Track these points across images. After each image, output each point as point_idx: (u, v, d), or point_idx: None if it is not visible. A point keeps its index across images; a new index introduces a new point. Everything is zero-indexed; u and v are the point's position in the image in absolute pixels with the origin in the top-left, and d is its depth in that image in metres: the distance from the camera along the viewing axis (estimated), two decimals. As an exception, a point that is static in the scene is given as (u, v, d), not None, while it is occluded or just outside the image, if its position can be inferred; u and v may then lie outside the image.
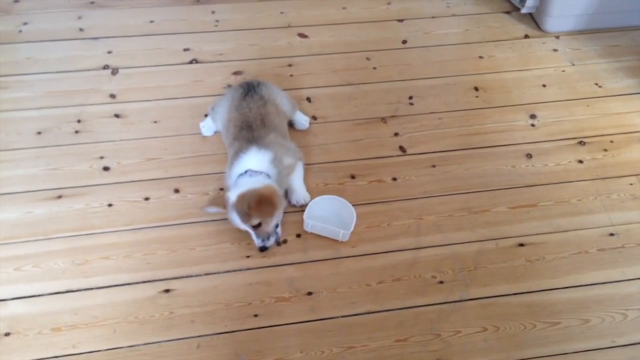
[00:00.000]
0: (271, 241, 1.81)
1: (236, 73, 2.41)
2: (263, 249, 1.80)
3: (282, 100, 2.08)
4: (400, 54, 2.54)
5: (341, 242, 1.89)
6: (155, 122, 2.22)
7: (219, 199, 1.78)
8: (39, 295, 1.75)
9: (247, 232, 1.83)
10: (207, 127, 2.17)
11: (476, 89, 2.40)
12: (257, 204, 1.70)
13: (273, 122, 1.94)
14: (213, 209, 1.80)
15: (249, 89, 2.02)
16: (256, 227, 1.75)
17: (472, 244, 1.91)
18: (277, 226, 1.82)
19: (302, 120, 2.20)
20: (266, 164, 1.83)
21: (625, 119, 2.29)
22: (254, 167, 1.81)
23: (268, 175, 1.81)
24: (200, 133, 2.18)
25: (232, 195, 1.74)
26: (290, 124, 2.19)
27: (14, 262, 1.82)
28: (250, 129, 1.89)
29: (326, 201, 1.92)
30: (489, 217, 1.97)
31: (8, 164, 2.06)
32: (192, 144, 2.15)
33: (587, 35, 2.63)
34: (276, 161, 1.84)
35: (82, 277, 1.79)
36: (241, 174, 1.80)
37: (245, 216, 1.72)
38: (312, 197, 1.94)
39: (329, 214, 1.92)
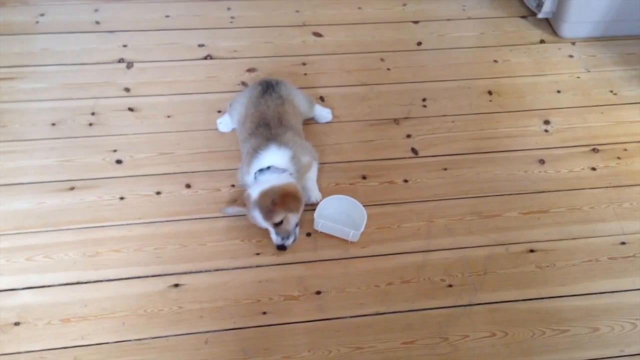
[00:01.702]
0: (290, 240, 1.80)
1: (250, 70, 2.42)
2: (282, 247, 1.80)
3: (300, 100, 2.09)
4: (414, 56, 2.54)
5: (351, 242, 1.89)
6: (168, 116, 2.23)
7: (239, 199, 1.77)
8: (49, 286, 1.76)
9: (260, 230, 1.85)
10: (225, 123, 2.17)
11: (490, 93, 2.39)
12: (282, 200, 1.70)
13: (290, 122, 1.94)
14: (233, 209, 1.81)
15: (268, 87, 2.02)
16: (277, 224, 1.75)
17: (482, 248, 1.90)
18: (296, 225, 1.82)
19: (324, 113, 2.22)
20: (286, 161, 1.83)
21: (639, 128, 2.27)
22: (276, 164, 1.81)
23: (290, 174, 1.81)
24: (215, 129, 2.19)
25: (254, 193, 1.74)
26: (311, 119, 2.22)
27: (25, 252, 1.83)
28: (267, 127, 1.89)
29: (337, 201, 1.93)
30: (499, 222, 1.97)
31: (22, 155, 2.08)
32: (204, 140, 2.16)
33: (603, 42, 2.62)
34: (295, 159, 1.85)
35: (93, 269, 1.80)
36: (262, 170, 1.80)
37: (269, 213, 1.72)
38: (323, 197, 1.94)
39: (339, 214, 1.92)
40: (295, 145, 1.87)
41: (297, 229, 1.84)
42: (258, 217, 1.74)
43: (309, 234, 1.91)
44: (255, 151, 1.85)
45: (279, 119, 1.92)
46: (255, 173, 1.81)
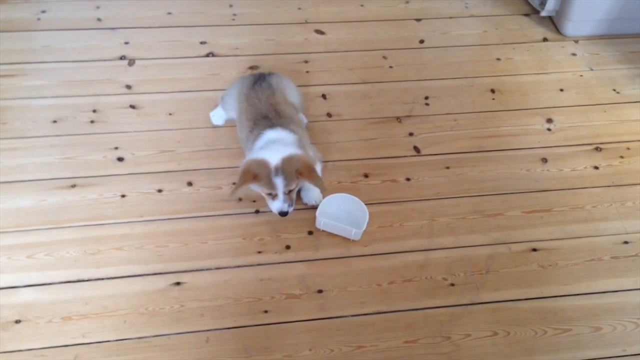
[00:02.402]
0: (292, 207, 1.80)
1: (252, 68, 2.41)
2: (285, 214, 1.78)
3: (291, 91, 2.07)
4: (417, 54, 2.53)
5: (352, 240, 1.89)
6: (170, 114, 2.22)
7: (246, 175, 1.70)
8: (50, 284, 1.76)
9: (262, 228, 1.85)
10: (218, 115, 2.17)
11: (493, 91, 2.38)
12: (307, 172, 1.70)
13: (286, 112, 1.91)
14: (243, 189, 1.75)
15: (259, 78, 2.00)
16: (290, 191, 1.75)
17: (485, 247, 1.90)
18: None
19: (302, 117, 2.19)
20: (293, 142, 1.80)
21: (642, 126, 2.27)
22: (283, 139, 1.79)
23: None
24: (215, 127, 2.19)
25: (273, 158, 1.70)
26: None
27: (26, 250, 1.83)
28: (267, 119, 1.86)
29: (339, 199, 1.92)
30: (502, 221, 1.96)
31: (23, 152, 2.07)
32: (206, 137, 2.15)
33: (606, 41, 2.61)
34: (301, 143, 1.82)
35: (94, 267, 1.80)
36: (269, 141, 1.77)
37: (291, 180, 1.71)
38: (326, 195, 1.93)
39: (341, 212, 1.92)
40: (300, 136, 1.86)
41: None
42: (280, 183, 1.71)
43: (310, 233, 1.91)
44: (260, 133, 1.82)
45: (275, 110, 1.90)
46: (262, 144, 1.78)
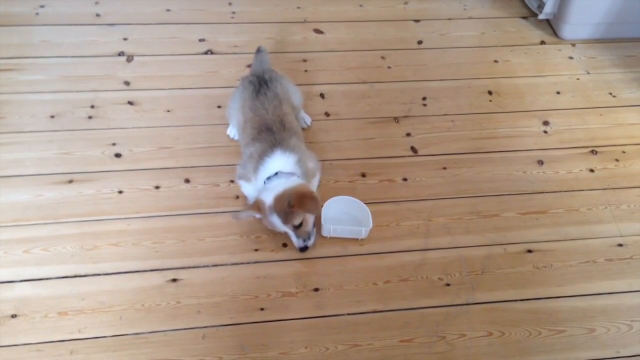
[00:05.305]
0: (312, 240, 1.80)
1: (250, 66, 2.41)
2: (304, 249, 1.79)
3: (294, 93, 2.06)
4: (415, 55, 2.54)
5: (349, 239, 1.89)
6: (168, 111, 2.23)
7: (253, 205, 1.75)
8: (46, 279, 1.76)
9: (259, 226, 1.85)
10: (235, 131, 2.13)
11: (490, 93, 2.39)
12: (299, 202, 1.68)
13: (292, 125, 1.92)
14: (246, 214, 1.79)
15: (260, 85, 1.97)
16: (297, 227, 1.74)
17: (480, 248, 1.90)
18: (314, 225, 1.81)
19: (305, 118, 2.21)
20: (292, 165, 1.81)
21: (638, 130, 2.28)
22: (282, 169, 1.79)
23: (298, 176, 1.79)
24: (215, 124, 2.19)
25: (268, 198, 1.72)
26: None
27: (23, 244, 1.82)
28: (270, 132, 1.85)
29: (336, 203, 1.92)
30: (498, 222, 1.97)
31: (21, 146, 2.07)
32: (204, 135, 2.15)
33: (603, 44, 2.62)
34: (301, 162, 1.83)
35: (91, 262, 1.80)
36: (270, 177, 1.78)
37: (287, 216, 1.70)
38: (324, 195, 1.93)
39: (342, 215, 1.92)
40: (301, 151, 1.86)
41: (314, 228, 1.83)
42: (277, 222, 1.72)
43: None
44: (261, 157, 1.81)
45: (281, 122, 1.88)
46: (264, 181, 1.79)
